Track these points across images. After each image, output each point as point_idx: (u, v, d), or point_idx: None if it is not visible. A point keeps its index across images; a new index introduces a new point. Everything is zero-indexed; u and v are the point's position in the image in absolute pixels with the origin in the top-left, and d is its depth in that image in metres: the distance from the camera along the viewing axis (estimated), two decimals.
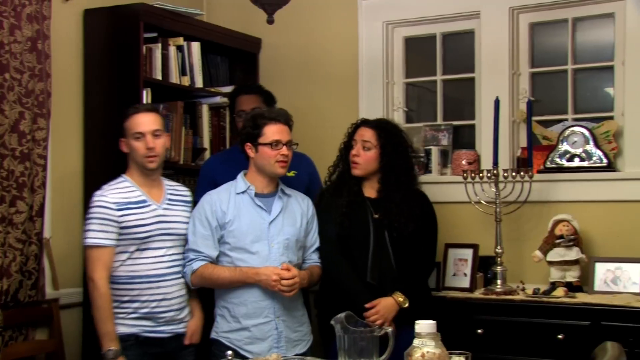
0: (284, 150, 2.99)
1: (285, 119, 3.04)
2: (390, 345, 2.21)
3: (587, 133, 3.60)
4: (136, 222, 2.91)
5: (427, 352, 1.91)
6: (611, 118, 3.67)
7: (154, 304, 2.93)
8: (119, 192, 2.94)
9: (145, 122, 2.96)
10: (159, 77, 3.68)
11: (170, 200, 3.04)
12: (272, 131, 2.99)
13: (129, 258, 2.92)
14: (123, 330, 2.90)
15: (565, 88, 3.79)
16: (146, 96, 3.55)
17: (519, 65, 3.83)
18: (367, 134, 3.21)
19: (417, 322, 1.96)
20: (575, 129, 3.62)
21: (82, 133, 3.59)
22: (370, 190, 3.25)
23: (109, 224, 2.88)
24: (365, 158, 3.20)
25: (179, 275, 3.00)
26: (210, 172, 3.44)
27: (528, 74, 3.84)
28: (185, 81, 3.84)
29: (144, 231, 2.92)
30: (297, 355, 2.83)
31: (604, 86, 3.82)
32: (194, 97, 3.95)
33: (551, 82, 3.88)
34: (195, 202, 3.13)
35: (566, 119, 3.78)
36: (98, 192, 2.94)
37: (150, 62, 3.64)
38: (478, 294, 3.48)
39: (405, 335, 2.11)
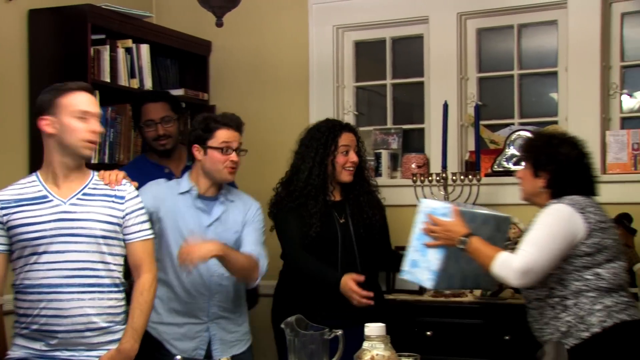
0: (233, 156, 2.95)
1: (237, 124, 3.00)
2: (340, 348, 2.21)
3: None
4: (25, 220, 2.46)
5: (377, 354, 1.92)
6: (555, 122, 3.75)
7: (43, 320, 2.46)
8: (15, 188, 2.53)
9: (89, 102, 2.52)
10: (107, 80, 3.62)
11: (85, 194, 2.52)
12: (223, 136, 2.95)
13: (26, 264, 2.47)
14: (14, 354, 2.50)
15: (512, 93, 3.87)
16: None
17: (467, 70, 3.89)
18: (354, 139, 3.25)
19: (366, 324, 1.97)
20: (522, 133, 3.69)
21: (28, 137, 3.49)
22: (333, 194, 3.25)
23: None
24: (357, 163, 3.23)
25: (87, 289, 2.47)
26: None
27: (476, 78, 3.90)
28: (134, 84, 3.79)
29: (34, 230, 2.45)
30: (234, 356, 2.79)
31: (548, 91, 3.91)
32: None
33: (498, 87, 3.95)
34: None
35: (512, 123, 3.85)
36: None
37: (98, 64, 3.58)
38: (427, 296, 3.51)
39: (355, 338, 2.12)
